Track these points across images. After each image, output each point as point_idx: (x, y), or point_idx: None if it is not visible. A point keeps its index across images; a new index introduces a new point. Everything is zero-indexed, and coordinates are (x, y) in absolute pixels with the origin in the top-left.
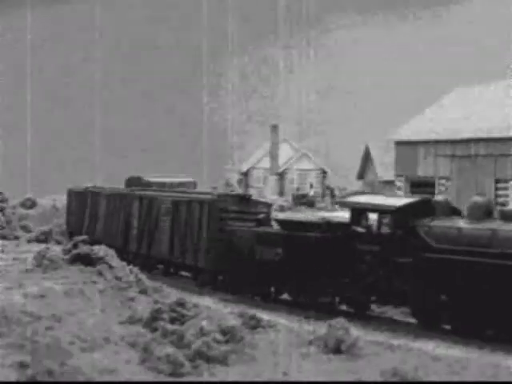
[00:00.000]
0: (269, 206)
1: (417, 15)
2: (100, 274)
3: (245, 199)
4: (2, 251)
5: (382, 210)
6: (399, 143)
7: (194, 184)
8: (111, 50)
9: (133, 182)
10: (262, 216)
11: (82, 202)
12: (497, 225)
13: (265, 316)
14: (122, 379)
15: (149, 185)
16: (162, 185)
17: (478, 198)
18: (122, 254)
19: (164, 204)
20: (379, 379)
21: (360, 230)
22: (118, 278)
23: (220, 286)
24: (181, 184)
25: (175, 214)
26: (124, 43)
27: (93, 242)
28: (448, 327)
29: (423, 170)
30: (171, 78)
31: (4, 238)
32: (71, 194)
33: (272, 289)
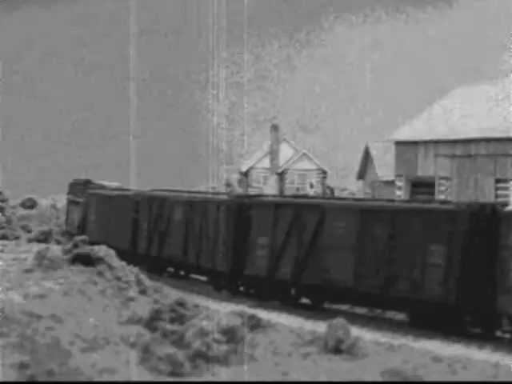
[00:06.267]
0: None
1: (417, 14)
2: (100, 274)
3: None
4: (2, 251)
5: None
6: (399, 143)
7: None
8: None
9: (79, 184)
10: None
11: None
12: None
13: (265, 316)
14: (122, 379)
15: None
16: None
17: None
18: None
19: None
20: (380, 379)
21: None
22: (118, 278)
23: None
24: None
25: None
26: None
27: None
28: None
29: (423, 170)
30: (166, 76)
31: (4, 237)
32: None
33: None
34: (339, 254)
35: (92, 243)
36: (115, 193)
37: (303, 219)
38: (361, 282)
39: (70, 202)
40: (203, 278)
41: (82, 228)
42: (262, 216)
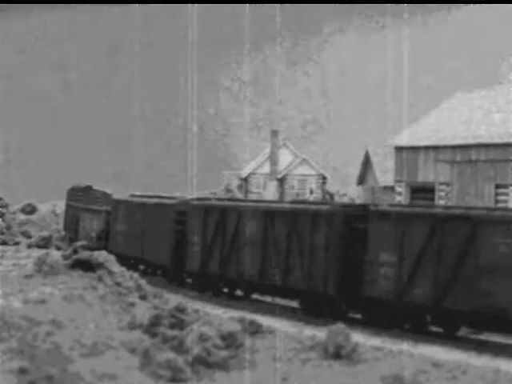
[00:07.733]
0: None
1: (417, 19)
2: (100, 279)
3: None
4: (2, 257)
5: None
6: (399, 148)
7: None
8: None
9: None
10: None
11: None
12: None
13: (265, 321)
14: None
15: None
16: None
17: None
18: None
19: None
20: None
21: None
22: (118, 284)
23: None
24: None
25: None
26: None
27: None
28: None
29: (423, 176)
30: (167, 81)
31: (4, 243)
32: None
33: None
34: (500, 274)
35: (118, 256)
36: (152, 201)
37: (444, 233)
38: None
39: (81, 210)
40: (274, 299)
41: (104, 239)
42: (384, 229)
